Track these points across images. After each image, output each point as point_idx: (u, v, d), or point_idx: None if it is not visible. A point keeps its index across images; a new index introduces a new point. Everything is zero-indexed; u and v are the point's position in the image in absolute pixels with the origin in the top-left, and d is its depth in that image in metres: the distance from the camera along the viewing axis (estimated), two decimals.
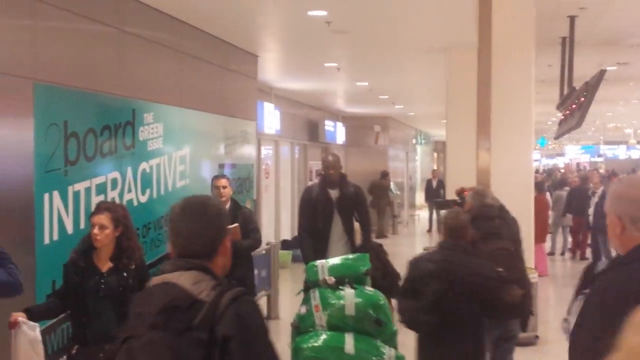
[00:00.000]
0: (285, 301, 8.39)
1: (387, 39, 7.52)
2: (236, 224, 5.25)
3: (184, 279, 1.90)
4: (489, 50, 7.31)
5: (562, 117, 10.41)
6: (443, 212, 5.88)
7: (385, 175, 17.03)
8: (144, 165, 5.85)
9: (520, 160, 7.47)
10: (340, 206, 6.02)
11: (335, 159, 6.19)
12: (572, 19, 8.63)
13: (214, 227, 2.02)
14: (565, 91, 9.64)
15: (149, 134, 5.92)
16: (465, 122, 7.79)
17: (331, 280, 4.42)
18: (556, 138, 12.05)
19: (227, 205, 5.55)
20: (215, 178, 5.89)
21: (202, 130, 7.07)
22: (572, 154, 39.61)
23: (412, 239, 17.11)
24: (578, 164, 39.05)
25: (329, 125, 15.70)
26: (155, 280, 2.00)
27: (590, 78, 8.21)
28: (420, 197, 23.82)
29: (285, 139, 13.20)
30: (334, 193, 6.03)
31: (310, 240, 6.06)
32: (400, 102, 14.77)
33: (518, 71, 7.32)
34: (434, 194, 18.15)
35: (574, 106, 8.84)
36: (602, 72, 7.82)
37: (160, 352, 1.86)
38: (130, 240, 4.01)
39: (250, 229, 5.63)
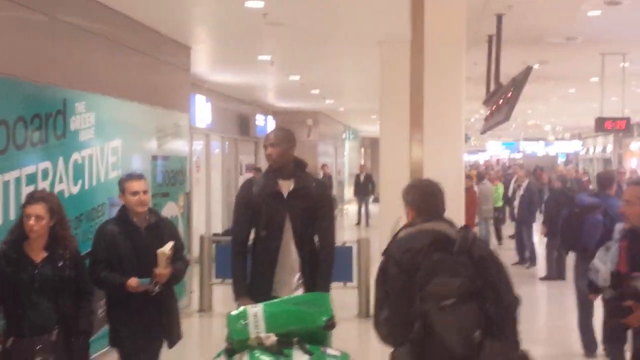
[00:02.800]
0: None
1: (322, 31, 7.56)
2: (171, 242, 4.16)
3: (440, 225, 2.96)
4: (421, 44, 7.41)
5: (489, 112, 10.69)
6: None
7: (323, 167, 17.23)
8: (75, 156, 5.69)
9: (452, 154, 7.60)
10: (294, 206, 4.00)
11: (281, 134, 4.12)
12: (499, 16, 8.88)
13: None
14: (492, 88, 9.91)
15: (80, 123, 5.75)
16: (398, 116, 7.87)
17: (270, 339, 3.06)
18: (482, 132, 12.39)
19: (147, 217, 4.23)
20: (128, 180, 4.26)
21: (135, 121, 6.93)
22: (493, 150, 40.79)
23: (342, 232, 17.23)
24: (498, 160, 40.29)
25: (259, 119, 15.65)
26: (417, 228, 2.96)
27: (517, 74, 8.47)
28: (348, 192, 24.07)
29: (216, 132, 13.09)
30: (285, 186, 4.03)
31: (243, 263, 4.08)
32: (331, 97, 14.87)
33: (450, 65, 7.41)
34: (362, 188, 18.43)
35: (500, 102, 9.09)
36: (529, 69, 8.06)
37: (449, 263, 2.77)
38: (65, 230, 3.95)
39: (178, 248, 4.34)
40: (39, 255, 3.83)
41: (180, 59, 8.24)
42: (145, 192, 4.27)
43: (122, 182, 4.31)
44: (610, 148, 30.96)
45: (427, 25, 7.34)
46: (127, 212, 4.26)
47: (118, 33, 6.53)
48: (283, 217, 4.03)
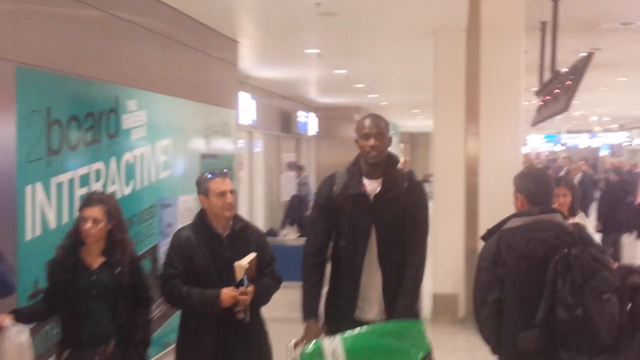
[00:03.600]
0: None
1: (374, 22, 7.28)
2: (253, 254, 3.52)
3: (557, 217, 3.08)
4: (478, 33, 7.13)
5: (542, 103, 10.30)
6: None
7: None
8: (127, 156, 5.52)
9: (510, 148, 7.30)
10: (381, 211, 3.33)
11: (384, 123, 3.40)
12: (555, 2, 8.52)
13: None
14: (545, 77, 9.54)
15: (132, 122, 5.58)
16: (452, 108, 7.62)
17: None
18: (534, 124, 11.97)
19: (230, 223, 3.62)
20: (212, 178, 3.62)
21: (184, 119, 6.76)
22: (534, 143, 40.03)
23: None
24: (539, 154, 39.48)
25: (301, 116, 15.44)
26: (535, 218, 3.04)
27: (577, 61, 8.09)
28: None
29: (259, 130, 12.91)
30: (372, 186, 3.36)
31: (317, 277, 3.43)
32: (375, 92, 14.58)
33: (508, 54, 7.18)
34: None
35: (557, 91, 8.71)
36: (590, 55, 7.69)
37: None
38: (123, 234, 3.72)
39: (267, 261, 3.66)
40: (95, 260, 3.60)
41: (229, 54, 8.04)
42: (232, 192, 3.63)
43: (204, 182, 3.63)
44: None
45: (483, 13, 7.06)
46: (207, 217, 3.61)
47: (167, 27, 6.35)
48: (368, 224, 3.32)
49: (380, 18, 7.07)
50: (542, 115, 10.25)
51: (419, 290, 3.44)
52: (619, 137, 32.65)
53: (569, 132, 33.42)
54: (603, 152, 30.76)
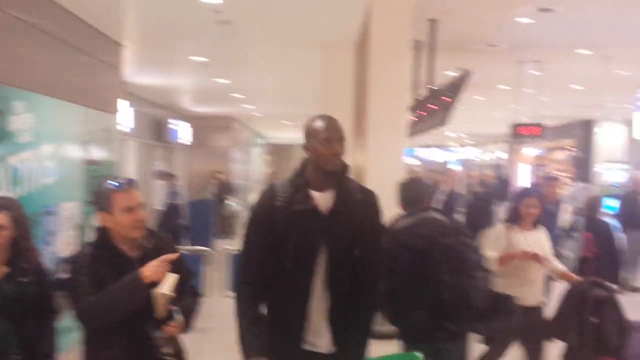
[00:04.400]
0: None
1: (267, 31, 7.31)
2: (174, 276, 2.91)
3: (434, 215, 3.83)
4: (367, 48, 7.34)
5: (416, 118, 10.77)
6: None
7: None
8: (13, 159, 5.17)
9: (394, 159, 7.55)
10: (335, 230, 2.87)
11: (340, 125, 2.96)
12: (432, 22, 8.95)
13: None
14: (418, 93, 9.99)
15: (19, 124, 5.23)
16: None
17: None
18: (413, 135, 12.46)
19: (140, 241, 3.04)
20: (117, 190, 2.97)
21: (69, 122, 6.43)
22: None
23: None
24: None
25: (174, 124, 15.14)
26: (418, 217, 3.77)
27: (455, 78, 8.56)
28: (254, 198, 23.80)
29: (133, 137, 12.51)
30: (322, 200, 2.89)
31: (256, 310, 2.93)
32: (253, 102, 14.58)
33: (395, 71, 7.39)
34: None
35: (433, 107, 9.16)
36: (466, 73, 8.17)
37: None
38: (28, 242, 3.50)
39: (187, 278, 3.14)
40: None
41: (113, 57, 7.75)
42: (141, 206, 3.00)
43: (107, 194, 2.97)
44: (500, 154, 32.32)
45: (373, 29, 7.29)
46: (111, 236, 3.01)
47: (56, 27, 6.03)
48: (318, 244, 2.82)
49: (274, 28, 7.11)
50: (419, 128, 10.71)
51: (372, 324, 3.09)
52: (472, 153, 34.69)
53: (426, 146, 35.01)
54: (453, 166, 32.48)
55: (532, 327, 4.57)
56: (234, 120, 18.77)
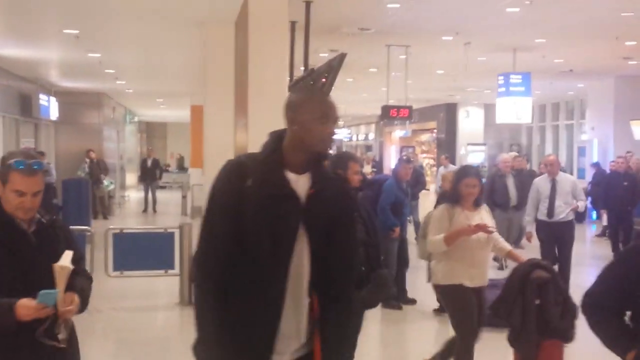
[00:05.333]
0: None
1: (144, 7, 7.24)
2: (69, 252, 2.76)
3: None
4: (246, 27, 7.47)
5: None
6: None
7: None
8: None
9: None
10: (314, 217, 2.44)
11: (334, 102, 2.48)
12: (308, 3, 9.20)
13: None
14: (295, 74, 10.23)
15: None
16: (222, 99, 7.89)
17: None
18: None
19: (37, 216, 2.81)
20: (16, 170, 2.75)
21: None
22: None
23: (131, 219, 16.67)
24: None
25: (43, 99, 14.54)
26: None
27: (332, 59, 8.84)
28: (130, 178, 23.31)
29: None
30: (299, 183, 2.43)
31: (221, 311, 2.39)
32: (125, 78, 14.26)
33: (274, 50, 7.56)
34: (150, 173, 17.89)
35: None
36: (343, 55, 8.43)
37: None
38: None
39: (79, 259, 2.92)
40: None
41: None
42: (37, 194, 2.75)
43: (7, 169, 2.76)
44: (372, 136, 33.43)
45: (252, 8, 7.44)
46: (3, 207, 2.78)
47: None
48: (293, 235, 2.38)
49: (149, 3, 7.04)
50: None
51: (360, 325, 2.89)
52: (341, 134, 35.54)
53: None
54: None
55: (481, 308, 4.46)
56: (105, 96, 18.26)
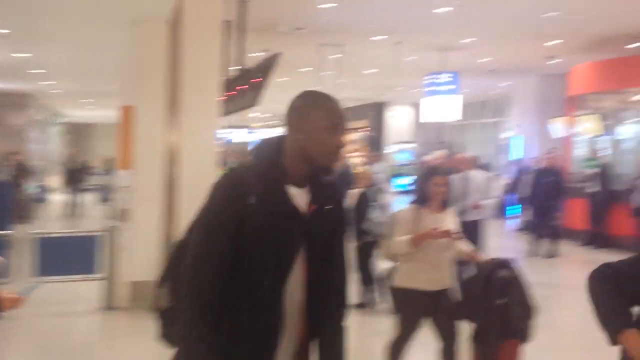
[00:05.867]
0: None
1: (75, 5, 7.08)
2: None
3: None
4: (180, 26, 7.41)
5: (226, 97, 10.98)
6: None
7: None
8: None
9: (209, 139, 7.67)
10: (314, 235, 2.25)
11: (344, 111, 2.25)
12: (242, 2, 9.19)
13: None
14: (229, 73, 10.19)
15: None
16: (154, 99, 7.79)
17: None
18: (225, 115, 12.61)
19: None
20: None
21: None
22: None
23: (55, 223, 16.17)
24: None
25: None
26: None
27: (265, 59, 8.87)
28: (55, 180, 22.66)
29: None
30: (299, 198, 2.22)
31: (212, 337, 2.13)
32: (55, 78, 13.85)
33: (208, 49, 7.50)
34: (75, 176, 17.40)
35: (243, 87, 9.41)
36: (277, 55, 8.49)
37: None
38: None
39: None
40: None
41: None
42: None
43: None
44: None
45: (186, 6, 7.37)
46: None
47: None
48: (294, 254, 2.21)
49: (84, 2, 6.93)
50: (230, 109, 10.91)
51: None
52: (275, 133, 35.43)
53: (229, 127, 35.29)
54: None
55: (443, 310, 4.38)
56: (30, 97, 17.70)
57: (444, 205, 4.38)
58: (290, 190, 2.19)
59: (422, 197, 4.40)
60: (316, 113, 2.18)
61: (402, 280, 4.40)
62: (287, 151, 2.20)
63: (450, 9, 9.29)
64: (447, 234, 4.23)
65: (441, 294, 4.37)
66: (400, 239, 4.31)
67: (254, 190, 2.14)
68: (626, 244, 10.77)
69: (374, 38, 11.76)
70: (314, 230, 2.22)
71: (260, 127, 35.83)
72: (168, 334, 2.31)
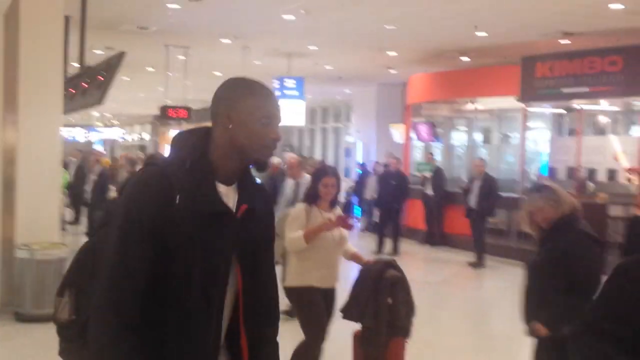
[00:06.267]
0: None
1: None
2: None
3: None
4: (17, 19, 7.08)
5: (67, 94, 10.57)
6: None
7: None
8: None
9: (50, 136, 7.40)
10: (246, 239, 1.95)
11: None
12: None
13: None
14: (70, 71, 9.83)
15: None
16: None
17: None
18: (66, 113, 12.06)
19: None
20: None
21: None
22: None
23: None
24: None
25: None
26: None
27: (110, 58, 8.67)
28: None
29: None
30: (229, 198, 1.92)
31: (142, 356, 1.78)
32: None
33: (48, 43, 7.23)
34: None
35: (85, 85, 9.15)
36: (122, 54, 8.34)
37: None
38: None
39: None
40: None
41: None
42: None
43: None
44: (145, 135, 32.75)
45: (22, 1, 7.05)
46: None
47: None
48: (229, 259, 1.92)
49: None
50: (73, 106, 10.50)
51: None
52: (116, 133, 34.42)
53: (70, 125, 33.75)
54: (97, 147, 32.07)
55: (330, 309, 4.41)
56: None
57: (332, 204, 4.45)
58: (219, 188, 1.92)
59: (312, 196, 4.44)
60: (249, 102, 1.93)
61: (294, 280, 4.41)
62: (213, 144, 1.93)
63: (296, 16, 9.56)
64: (341, 219, 4.30)
65: (331, 293, 4.43)
66: (294, 235, 4.32)
67: (179, 189, 1.85)
68: (460, 242, 11.61)
69: (222, 40, 11.82)
70: (246, 234, 1.94)
71: (104, 126, 34.57)
72: (68, 350, 2.15)
